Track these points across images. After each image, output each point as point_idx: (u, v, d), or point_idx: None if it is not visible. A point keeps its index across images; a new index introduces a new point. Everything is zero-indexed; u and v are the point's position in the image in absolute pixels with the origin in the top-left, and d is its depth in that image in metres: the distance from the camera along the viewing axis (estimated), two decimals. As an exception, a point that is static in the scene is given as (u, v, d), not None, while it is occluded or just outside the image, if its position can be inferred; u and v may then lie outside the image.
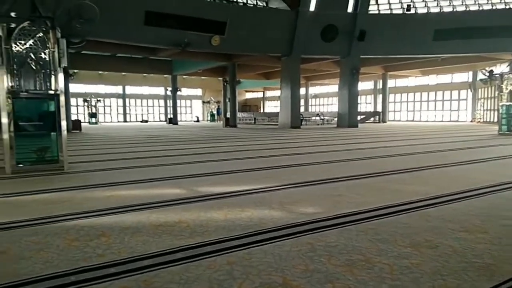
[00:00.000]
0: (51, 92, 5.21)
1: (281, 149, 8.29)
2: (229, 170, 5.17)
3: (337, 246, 2.16)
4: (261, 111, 42.74)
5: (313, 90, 38.25)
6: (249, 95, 46.69)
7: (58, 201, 3.37)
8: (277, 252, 2.08)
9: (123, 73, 31.44)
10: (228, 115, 24.26)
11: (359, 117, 22.75)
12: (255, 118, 30.58)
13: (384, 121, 28.96)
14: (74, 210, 2.99)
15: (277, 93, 39.02)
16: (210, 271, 1.83)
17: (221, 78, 28.96)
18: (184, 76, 31.48)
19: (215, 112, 36.64)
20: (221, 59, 21.55)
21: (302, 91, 27.14)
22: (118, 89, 35.55)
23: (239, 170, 5.24)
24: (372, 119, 29.38)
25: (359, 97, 22.00)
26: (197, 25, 15.53)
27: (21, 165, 5.14)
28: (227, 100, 25.30)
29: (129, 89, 36.08)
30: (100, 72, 29.77)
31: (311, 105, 38.66)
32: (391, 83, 31.00)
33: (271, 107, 43.84)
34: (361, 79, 22.10)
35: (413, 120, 30.71)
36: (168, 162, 6.14)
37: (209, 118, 37.27)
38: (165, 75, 28.71)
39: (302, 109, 24.57)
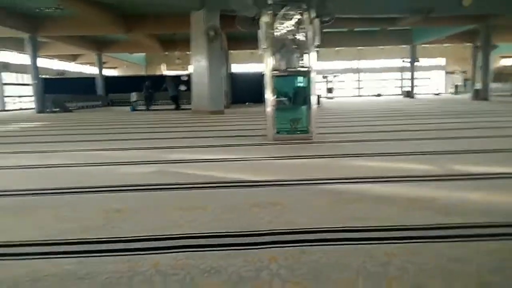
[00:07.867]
0: (305, 69, 5.82)
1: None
2: (483, 149, 4.52)
3: None
4: (523, 80, 34.74)
5: None
6: (506, 62, 38.67)
7: (315, 166, 3.81)
8: None
9: (358, 48, 31.70)
10: (477, 86, 20.96)
11: None
12: (514, 89, 25.21)
13: None
14: (329, 176, 3.31)
15: (549, 56, 30.86)
16: (479, 255, 1.68)
17: (469, 44, 25.14)
18: (423, 45, 29.00)
19: (460, 83, 32.31)
20: (471, 21, 18.63)
21: None
22: (352, 64, 36.25)
23: (497, 149, 4.50)
24: None
25: None
26: (445, -15, 13.87)
27: (278, 134, 6.04)
28: (477, 69, 21.80)
29: (363, 63, 36.21)
30: (337, 48, 30.97)
31: None
32: None
33: (537, 75, 35.03)
34: None
35: None
36: (408, 137, 5.89)
37: (451, 91, 33.26)
38: (403, 46, 27.24)
39: None
